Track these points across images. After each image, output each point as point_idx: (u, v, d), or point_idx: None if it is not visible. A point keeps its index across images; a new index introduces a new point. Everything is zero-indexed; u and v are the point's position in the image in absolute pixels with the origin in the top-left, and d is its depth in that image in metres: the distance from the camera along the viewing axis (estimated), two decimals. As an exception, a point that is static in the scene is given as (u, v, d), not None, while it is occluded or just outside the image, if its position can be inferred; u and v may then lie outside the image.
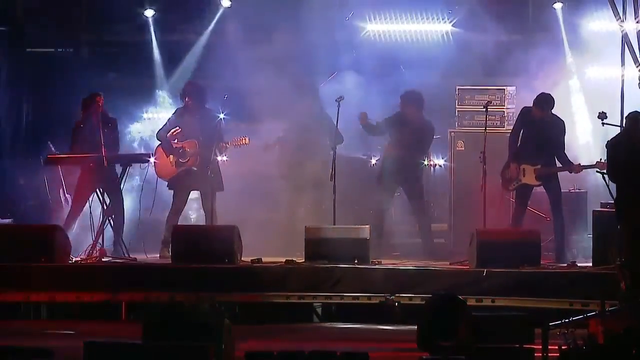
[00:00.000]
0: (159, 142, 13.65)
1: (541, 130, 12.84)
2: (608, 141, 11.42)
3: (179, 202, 13.59)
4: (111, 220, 12.96)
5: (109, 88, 15.23)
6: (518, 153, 12.96)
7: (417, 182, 13.66)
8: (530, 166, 12.89)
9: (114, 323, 11.66)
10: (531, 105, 12.88)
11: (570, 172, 12.93)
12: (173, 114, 13.91)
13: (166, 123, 13.78)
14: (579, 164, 12.79)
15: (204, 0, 15.72)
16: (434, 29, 15.37)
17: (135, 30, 15.89)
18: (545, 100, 12.80)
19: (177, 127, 13.56)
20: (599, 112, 11.78)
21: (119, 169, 13.12)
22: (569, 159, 12.84)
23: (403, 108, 13.63)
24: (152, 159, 13.48)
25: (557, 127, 12.89)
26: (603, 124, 11.76)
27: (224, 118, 13.52)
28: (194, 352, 7.65)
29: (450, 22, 15.24)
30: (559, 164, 12.91)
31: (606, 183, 11.06)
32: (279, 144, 14.23)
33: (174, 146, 13.50)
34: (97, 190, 13.08)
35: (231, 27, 15.58)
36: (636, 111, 11.03)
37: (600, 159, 12.16)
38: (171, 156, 13.52)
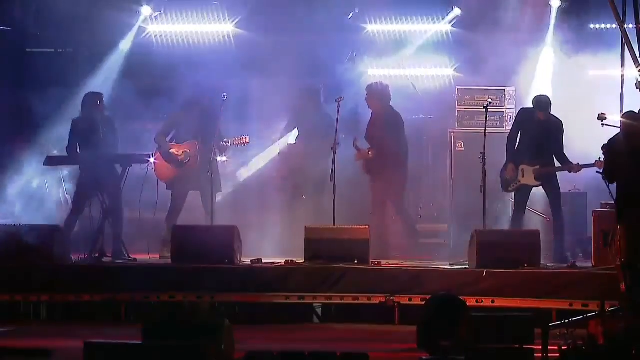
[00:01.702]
0: (157, 146, 13.62)
1: (540, 130, 12.85)
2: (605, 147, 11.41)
3: (178, 203, 13.57)
4: (109, 221, 12.94)
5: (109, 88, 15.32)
6: (516, 154, 12.97)
7: (392, 179, 13.54)
8: (529, 167, 12.90)
9: (114, 323, 11.66)
10: (527, 106, 12.93)
11: (570, 172, 12.94)
12: (171, 115, 13.89)
13: (164, 125, 13.75)
14: (578, 163, 12.79)
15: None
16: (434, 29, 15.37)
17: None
18: (544, 102, 12.82)
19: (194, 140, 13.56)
20: (599, 114, 11.77)
21: (119, 169, 13.10)
22: (568, 158, 12.86)
23: (368, 102, 13.63)
24: (152, 159, 13.46)
25: (556, 127, 12.91)
26: (603, 125, 11.76)
27: (223, 118, 13.56)
28: (194, 352, 7.64)
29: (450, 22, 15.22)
30: (557, 164, 12.93)
31: (606, 183, 11.05)
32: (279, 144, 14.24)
33: (172, 151, 13.47)
34: (97, 190, 13.07)
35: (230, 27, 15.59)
36: (631, 111, 11.04)
37: (600, 158, 12.16)
38: (168, 157, 13.51)
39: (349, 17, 15.00)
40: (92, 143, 12.99)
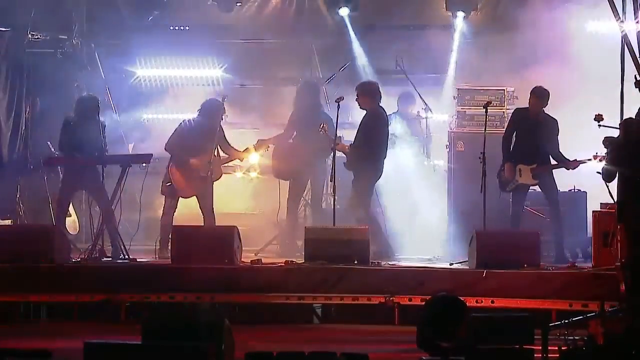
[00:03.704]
0: (172, 156, 13.50)
1: (535, 129, 12.88)
2: (607, 139, 11.41)
3: (172, 202, 13.49)
4: (101, 222, 12.93)
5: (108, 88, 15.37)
6: (513, 154, 12.98)
7: (355, 181, 13.45)
8: (527, 166, 12.91)
9: (113, 323, 11.65)
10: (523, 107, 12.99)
11: (567, 169, 12.95)
12: (180, 124, 13.77)
13: (174, 134, 13.61)
14: (575, 159, 12.79)
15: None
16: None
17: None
18: (541, 92, 12.83)
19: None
20: (596, 115, 11.76)
21: (118, 169, 13.08)
22: (564, 156, 12.86)
23: (359, 101, 13.56)
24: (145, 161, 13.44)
25: (551, 126, 12.93)
26: (600, 126, 11.75)
27: (226, 117, 13.59)
28: (194, 352, 7.64)
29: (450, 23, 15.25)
30: (554, 162, 12.93)
31: (606, 184, 11.05)
32: (278, 145, 14.18)
33: (190, 161, 13.42)
34: (78, 190, 13.11)
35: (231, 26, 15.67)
36: (630, 118, 11.08)
37: (597, 153, 12.18)
38: (187, 170, 13.42)
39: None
40: (90, 147, 12.97)
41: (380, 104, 13.56)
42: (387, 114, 13.94)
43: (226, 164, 13.75)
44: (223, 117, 13.43)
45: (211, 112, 13.47)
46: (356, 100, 13.56)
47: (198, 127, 13.47)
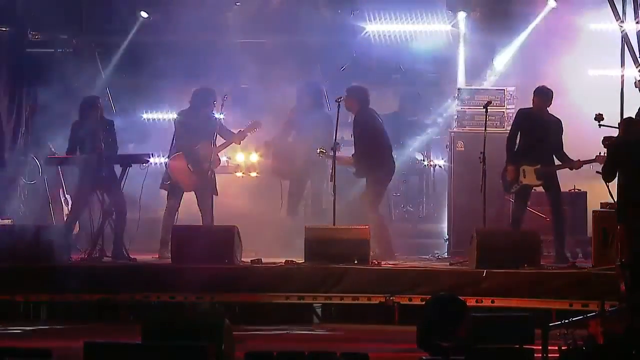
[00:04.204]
0: (177, 151, 13.51)
1: (539, 130, 12.84)
2: (607, 139, 11.40)
3: (175, 202, 13.51)
4: (111, 221, 12.91)
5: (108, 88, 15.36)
6: (516, 155, 12.95)
7: (367, 186, 13.44)
8: (530, 167, 12.88)
9: (113, 323, 11.65)
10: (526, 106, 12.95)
11: (571, 169, 12.91)
12: (178, 118, 13.79)
13: (177, 129, 13.59)
14: (579, 159, 12.77)
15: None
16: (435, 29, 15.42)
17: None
18: (545, 92, 12.81)
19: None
20: (596, 114, 11.75)
21: (118, 169, 13.08)
22: (568, 156, 12.85)
23: (346, 104, 13.41)
24: (153, 160, 13.43)
25: (555, 126, 12.90)
26: (600, 125, 11.75)
27: (223, 118, 13.58)
28: (194, 352, 7.64)
29: (451, 23, 15.23)
30: (558, 163, 12.92)
31: (606, 184, 11.05)
32: (278, 144, 14.18)
33: (191, 152, 13.40)
34: (97, 190, 13.07)
35: (231, 27, 15.66)
36: (630, 117, 11.09)
37: (600, 153, 12.16)
38: (189, 163, 13.43)
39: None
40: (91, 146, 12.95)
41: (370, 107, 13.51)
42: (388, 113, 13.94)
43: (223, 151, 13.72)
44: (215, 103, 13.44)
45: (203, 99, 13.50)
46: (343, 100, 13.37)
47: (193, 117, 13.48)
